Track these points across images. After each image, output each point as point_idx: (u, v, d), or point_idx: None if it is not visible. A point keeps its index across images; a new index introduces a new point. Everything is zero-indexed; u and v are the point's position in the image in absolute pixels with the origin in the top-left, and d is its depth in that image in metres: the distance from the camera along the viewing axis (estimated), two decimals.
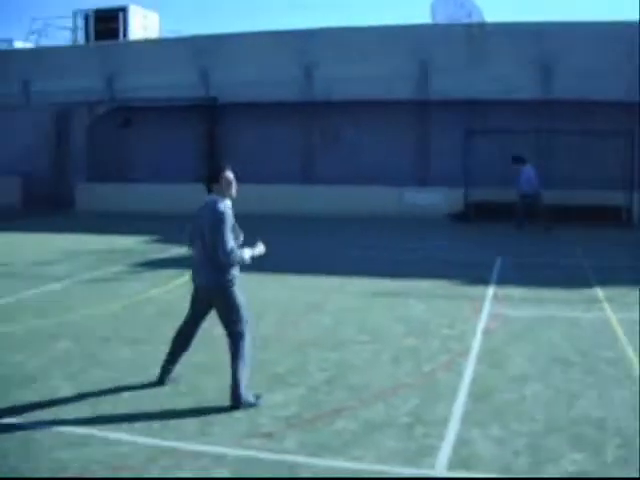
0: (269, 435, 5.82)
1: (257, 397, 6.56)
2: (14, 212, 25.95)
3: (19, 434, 5.92)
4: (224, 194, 6.64)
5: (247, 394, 6.48)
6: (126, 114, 28.32)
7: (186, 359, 7.80)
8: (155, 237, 18.78)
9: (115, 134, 28.56)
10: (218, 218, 6.46)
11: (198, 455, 5.50)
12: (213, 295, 6.68)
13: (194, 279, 6.80)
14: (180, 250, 16.24)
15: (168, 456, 5.49)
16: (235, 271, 6.66)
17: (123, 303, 10.94)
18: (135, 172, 28.18)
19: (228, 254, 6.42)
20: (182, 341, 7.07)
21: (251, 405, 6.44)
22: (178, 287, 12.18)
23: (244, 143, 27.13)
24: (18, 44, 33.18)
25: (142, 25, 32.42)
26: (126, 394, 6.84)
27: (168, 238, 18.41)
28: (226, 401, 6.46)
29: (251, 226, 19.89)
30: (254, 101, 25.99)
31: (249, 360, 6.62)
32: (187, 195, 25.11)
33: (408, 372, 7.47)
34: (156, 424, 6.07)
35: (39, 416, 6.31)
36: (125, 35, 31.53)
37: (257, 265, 13.80)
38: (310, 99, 25.72)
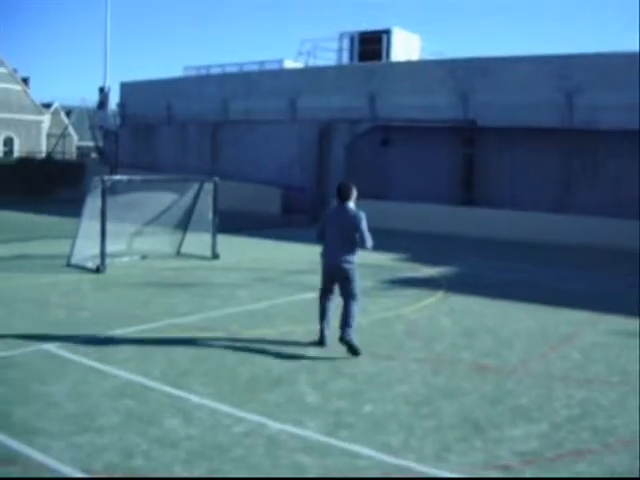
0: (506, 468, 5.72)
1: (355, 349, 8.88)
2: (274, 221, 27.36)
3: (265, 432, 6.30)
4: (352, 202, 9.22)
5: (354, 338, 8.94)
6: (385, 133, 29.00)
7: (430, 382, 7.90)
8: (406, 255, 19.03)
9: (373, 152, 29.32)
10: (360, 219, 9.03)
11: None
12: (341, 271, 9.12)
13: (328, 259, 9.23)
14: (430, 270, 16.39)
15: (402, 475, 5.57)
16: (356, 257, 9.15)
17: (371, 318, 11.19)
18: (391, 190, 28.72)
19: (371, 242, 9.06)
20: (325, 308, 9.37)
21: (354, 350, 8.84)
22: (427, 307, 12.26)
23: (500, 167, 26.78)
24: (288, 63, 35.11)
25: (404, 47, 33.06)
26: (368, 407, 7.03)
27: (419, 257, 18.59)
28: (467, 431, 6.47)
29: (505, 253, 19.06)
30: (513, 125, 25.56)
31: (357, 317, 9.19)
32: (441, 216, 25.39)
33: None
34: (395, 442, 6.17)
35: (283, 419, 6.65)
36: (388, 56, 32.33)
37: (508, 293, 13.57)
38: (570, 126, 24.80)
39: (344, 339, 8.92)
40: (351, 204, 9.22)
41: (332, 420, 6.66)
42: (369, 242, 9.03)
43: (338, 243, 9.09)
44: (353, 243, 9.06)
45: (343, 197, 9.26)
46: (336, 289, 9.36)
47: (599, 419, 6.92)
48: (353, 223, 9.03)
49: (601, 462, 5.89)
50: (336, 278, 9.24)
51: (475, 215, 25.23)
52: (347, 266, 9.07)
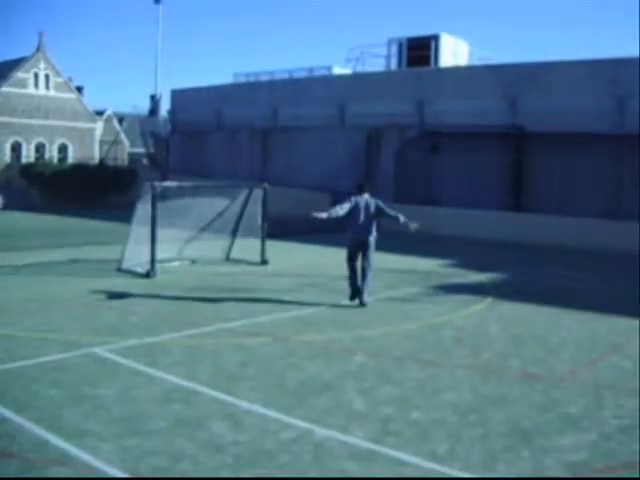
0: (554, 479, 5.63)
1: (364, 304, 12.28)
2: (323, 226, 27.17)
3: (312, 439, 6.30)
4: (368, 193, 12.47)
5: (367, 299, 12.32)
6: (434, 139, 28.85)
7: (477, 389, 7.83)
8: (455, 261, 18.90)
9: (422, 157, 29.20)
10: (381, 203, 12.40)
11: None
12: (366, 245, 12.19)
13: (358, 235, 12.25)
14: (479, 277, 16.27)
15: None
16: (376, 233, 12.36)
17: (419, 324, 11.16)
18: (439, 196, 28.55)
19: (396, 213, 12.46)
20: (354, 267, 12.36)
21: (363, 304, 12.24)
22: (475, 314, 12.17)
23: (548, 173, 26.45)
24: (336, 70, 35.17)
25: (452, 53, 32.91)
26: (415, 415, 6.99)
27: (467, 263, 18.46)
28: (515, 440, 6.38)
29: (554, 259, 18.70)
30: (562, 131, 25.21)
31: (372, 282, 12.46)
32: (489, 222, 25.14)
33: None
34: (442, 450, 6.11)
35: (330, 425, 6.64)
36: (436, 62, 32.21)
37: (556, 300, 13.35)
38: (620, 131, 24.31)
39: (361, 300, 12.28)
40: (366, 194, 12.42)
41: (379, 427, 6.64)
42: (395, 213, 12.40)
43: (365, 223, 12.21)
44: (374, 223, 12.28)
45: (363, 190, 12.54)
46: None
47: None
48: (377, 207, 12.30)
49: None
50: (361, 249, 12.28)
51: (524, 221, 24.97)
52: (372, 239, 12.25)
